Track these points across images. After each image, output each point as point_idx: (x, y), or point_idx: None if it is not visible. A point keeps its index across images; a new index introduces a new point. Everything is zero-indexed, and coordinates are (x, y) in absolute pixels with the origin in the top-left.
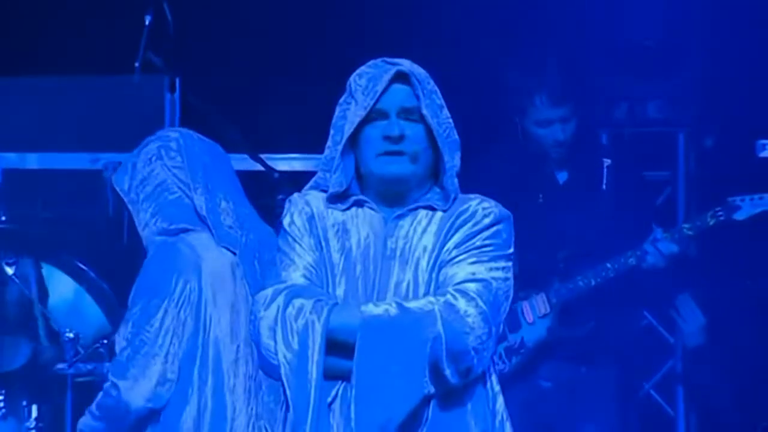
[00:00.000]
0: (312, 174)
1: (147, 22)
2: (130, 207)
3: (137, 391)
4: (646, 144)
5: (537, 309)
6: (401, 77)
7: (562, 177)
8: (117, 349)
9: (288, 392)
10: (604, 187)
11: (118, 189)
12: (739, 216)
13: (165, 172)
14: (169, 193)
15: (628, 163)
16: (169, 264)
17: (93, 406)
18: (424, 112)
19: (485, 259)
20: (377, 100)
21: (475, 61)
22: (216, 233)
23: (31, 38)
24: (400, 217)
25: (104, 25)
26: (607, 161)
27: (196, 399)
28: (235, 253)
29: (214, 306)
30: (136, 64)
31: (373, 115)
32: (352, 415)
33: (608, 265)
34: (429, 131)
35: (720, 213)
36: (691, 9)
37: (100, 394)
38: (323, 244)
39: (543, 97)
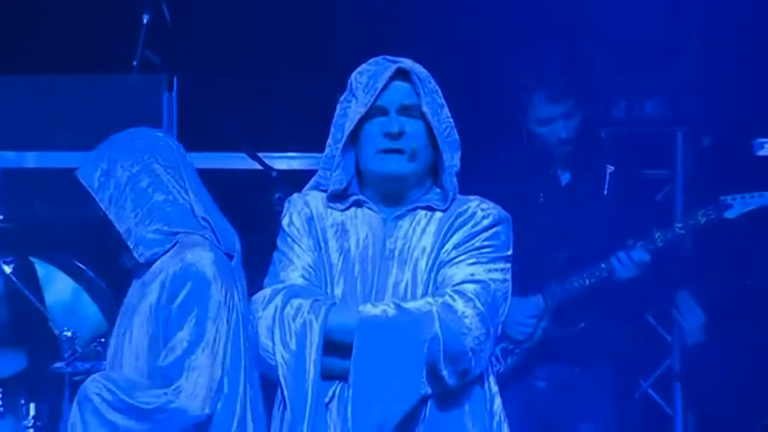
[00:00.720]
0: (310, 173)
1: (145, 21)
2: (102, 204)
3: (200, 398)
4: (644, 143)
5: None
6: (402, 75)
7: (564, 178)
8: (167, 359)
9: (285, 392)
10: (605, 191)
11: (86, 184)
12: (730, 214)
13: (159, 171)
14: (163, 193)
15: (627, 163)
16: (212, 270)
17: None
18: (424, 109)
19: (484, 260)
20: (377, 97)
21: (478, 60)
22: (220, 237)
23: (29, 36)
24: (399, 217)
25: (102, 24)
26: (610, 168)
27: (241, 406)
28: (232, 257)
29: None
30: (134, 63)
31: (373, 112)
32: (349, 415)
33: (602, 265)
34: (429, 129)
35: (711, 212)
36: (688, 8)
37: (141, 412)
38: (322, 244)
39: (541, 95)
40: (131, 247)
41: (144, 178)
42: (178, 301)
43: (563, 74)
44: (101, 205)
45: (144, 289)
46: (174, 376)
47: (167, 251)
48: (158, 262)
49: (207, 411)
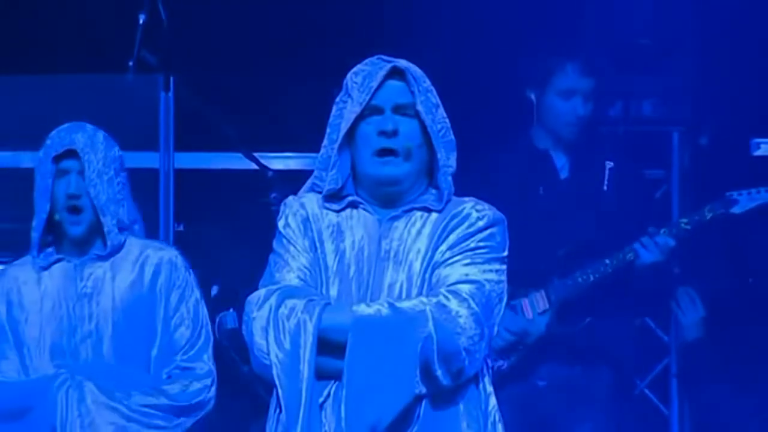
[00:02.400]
0: (306, 173)
1: (141, 21)
2: (95, 193)
3: None
4: (641, 142)
5: (536, 305)
6: (397, 74)
7: (564, 173)
8: (190, 352)
9: (280, 392)
10: (605, 188)
11: (84, 159)
12: (736, 210)
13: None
14: (126, 189)
15: (624, 162)
16: None
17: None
18: (419, 108)
19: (479, 261)
20: (372, 96)
21: (477, 57)
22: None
23: (26, 36)
24: (395, 218)
25: (98, 24)
26: (609, 164)
27: None
28: None
29: None
30: (131, 63)
31: (368, 111)
32: (343, 414)
33: (606, 261)
34: (424, 129)
35: (717, 207)
36: (685, 7)
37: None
38: (318, 245)
39: (576, 63)
40: (109, 232)
41: (119, 174)
42: (188, 297)
43: (597, 53)
44: (91, 192)
45: (103, 277)
46: (205, 368)
47: (123, 243)
48: (122, 252)
49: None
